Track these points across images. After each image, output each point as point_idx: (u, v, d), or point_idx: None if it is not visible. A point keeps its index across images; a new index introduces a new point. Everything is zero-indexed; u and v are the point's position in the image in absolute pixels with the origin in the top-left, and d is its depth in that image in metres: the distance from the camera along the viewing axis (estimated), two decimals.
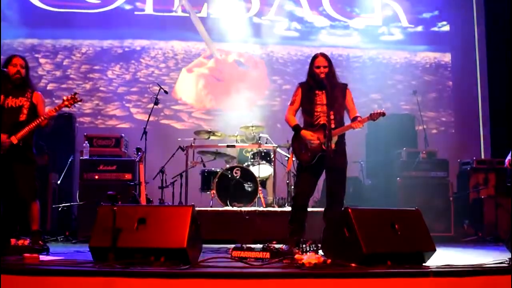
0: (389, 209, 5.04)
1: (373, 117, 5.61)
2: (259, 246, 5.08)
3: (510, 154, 7.55)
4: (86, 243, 4.55)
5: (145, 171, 7.28)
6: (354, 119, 5.67)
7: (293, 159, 5.91)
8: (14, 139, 5.52)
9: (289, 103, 5.87)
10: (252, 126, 8.79)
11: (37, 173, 5.79)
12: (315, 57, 5.76)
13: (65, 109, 5.95)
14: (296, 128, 5.72)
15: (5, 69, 5.69)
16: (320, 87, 5.63)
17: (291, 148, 5.99)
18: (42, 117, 5.59)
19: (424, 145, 8.82)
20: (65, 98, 5.81)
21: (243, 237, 6.67)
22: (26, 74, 5.81)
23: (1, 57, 9.74)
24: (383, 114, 5.61)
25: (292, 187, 7.18)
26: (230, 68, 10.75)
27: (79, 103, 5.90)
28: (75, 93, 5.85)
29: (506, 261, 4.45)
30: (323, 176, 5.84)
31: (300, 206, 5.72)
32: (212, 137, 8.68)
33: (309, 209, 5.90)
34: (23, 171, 5.60)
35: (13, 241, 5.36)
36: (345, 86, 5.80)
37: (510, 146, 7.75)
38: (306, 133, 5.60)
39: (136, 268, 3.89)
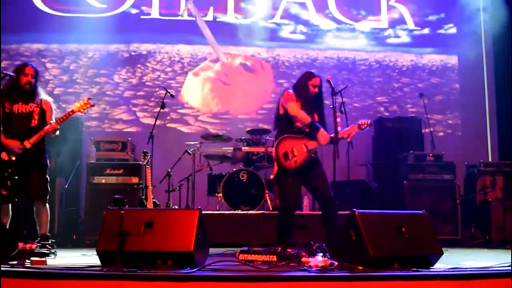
0: (396, 212, 5.04)
1: (361, 126, 5.78)
2: (266, 249, 5.08)
3: None
4: (93, 246, 4.56)
5: (151, 174, 7.29)
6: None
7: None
8: (28, 144, 5.69)
9: (290, 100, 5.72)
10: (258, 130, 8.80)
11: (49, 177, 5.89)
12: (313, 75, 5.79)
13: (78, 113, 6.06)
14: (314, 126, 5.65)
15: (12, 74, 5.79)
16: (310, 104, 5.71)
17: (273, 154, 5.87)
18: (53, 123, 5.75)
19: (431, 147, 8.80)
20: (78, 103, 5.98)
21: (250, 241, 6.67)
22: (36, 82, 5.92)
23: (10, 62, 9.91)
24: (370, 124, 5.81)
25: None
26: (236, 72, 10.76)
27: (92, 107, 6.03)
28: (89, 98, 6.03)
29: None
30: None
31: (290, 217, 5.72)
32: (218, 141, 8.69)
33: (315, 213, 5.87)
34: (37, 175, 5.76)
35: (20, 245, 5.38)
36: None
37: None
38: (323, 133, 5.64)
39: (143, 271, 3.90)
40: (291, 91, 5.77)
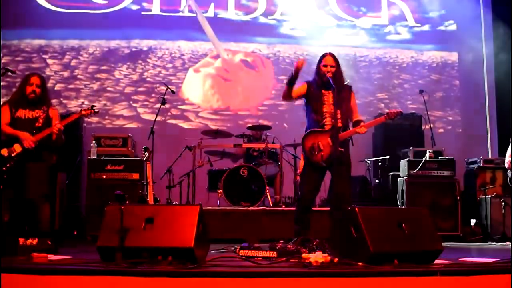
0: (396, 208, 5.06)
1: (391, 116, 5.69)
2: (266, 245, 5.08)
3: (509, 155, 7.58)
4: (94, 242, 4.57)
5: (152, 170, 7.30)
6: (356, 123, 5.71)
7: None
8: (32, 137, 5.77)
9: None
10: (259, 126, 8.80)
11: (51, 173, 5.96)
12: (323, 56, 5.80)
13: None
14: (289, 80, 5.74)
15: (13, 69, 5.86)
16: (327, 86, 5.65)
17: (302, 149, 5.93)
18: (56, 125, 5.85)
19: (431, 144, 8.81)
20: (83, 110, 6.11)
21: (250, 236, 6.69)
22: (43, 91, 6.01)
23: (11, 58, 9.93)
24: (400, 114, 5.70)
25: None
26: (237, 68, 10.76)
27: (95, 114, 6.19)
28: (93, 106, 6.16)
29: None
30: (328, 175, 5.84)
31: (306, 206, 5.75)
32: (219, 137, 8.70)
33: (316, 208, 5.90)
34: (38, 171, 5.81)
35: (21, 240, 5.39)
36: (350, 88, 5.84)
37: None
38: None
39: (144, 267, 3.91)
40: (305, 82, 5.89)
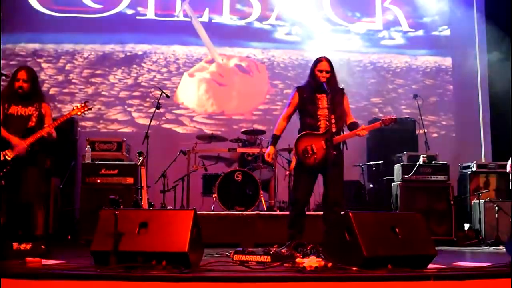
0: (390, 213, 5.06)
1: (385, 122, 5.70)
2: (260, 249, 5.09)
3: (511, 159, 7.57)
4: (88, 247, 4.56)
5: (146, 175, 7.30)
6: (352, 125, 5.72)
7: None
8: (24, 144, 5.69)
9: (286, 106, 5.92)
10: (254, 130, 8.81)
11: (45, 177, 5.92)
12: (319, 60, 5.76)
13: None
14: (273, 138, 5.87)
15: (7, 74, 5.83)
16: (321, 90, 5.66)
17: (293, 150, 5.94)
18: (48, 126, 5.77)
19: (425, 148, 8.83)
20: (75, 106, 6.00)
21: (245, 241, 6.69)
22: (33, 85, 5.91)
23: (5, 62, 9.90)
24: (395, 121, 5.71)
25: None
26: (232, 73, 10.77)
27: (89, 110, 6.06)
28: (86, 102, 6.06)
29: (507, 264, 4.46)
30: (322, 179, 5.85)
31: (299, 210, 5.75)
32: (213, 141, 8.71)
33: (310, 213, 5.88)
34: (33, 175, 5.77)
35: (15, 245, 5.38)
36: (343, 91, 5.84)
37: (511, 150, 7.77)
38: (272, 150, 5.83)
39: (138, 272, 3.90)
40: (295, 89, 5.88)
